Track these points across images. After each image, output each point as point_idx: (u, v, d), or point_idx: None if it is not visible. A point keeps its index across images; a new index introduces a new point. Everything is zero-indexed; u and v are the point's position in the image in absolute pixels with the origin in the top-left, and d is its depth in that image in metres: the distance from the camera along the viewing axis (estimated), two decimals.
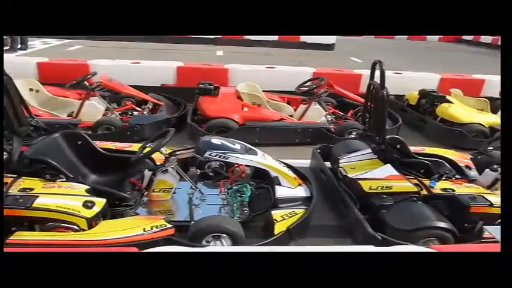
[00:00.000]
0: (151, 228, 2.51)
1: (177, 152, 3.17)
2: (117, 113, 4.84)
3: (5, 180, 2.64)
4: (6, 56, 6.36)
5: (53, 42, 12.84)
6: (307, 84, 5.39)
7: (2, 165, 2.62)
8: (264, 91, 5.35)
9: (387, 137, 3.42)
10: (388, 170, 3.21)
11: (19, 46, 9.91)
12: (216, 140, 3.18)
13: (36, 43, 11.34)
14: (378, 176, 3.17)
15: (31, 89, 4.73)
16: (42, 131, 3.20)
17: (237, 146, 3.17)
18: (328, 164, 3.81)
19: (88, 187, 2.67)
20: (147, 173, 3.03)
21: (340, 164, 3.56)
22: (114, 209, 2.76)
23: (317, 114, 5.15)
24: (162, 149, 2.95)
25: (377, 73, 3.32)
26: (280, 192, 3.06)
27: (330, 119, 5.20)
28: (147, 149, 2.97)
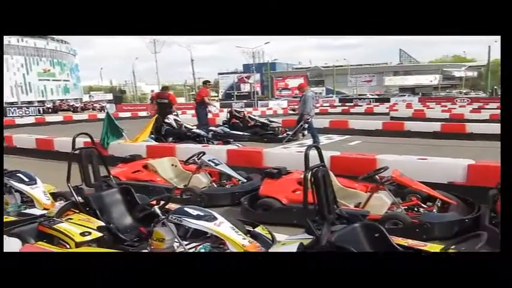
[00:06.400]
0: None
1: None
2: (402, 208, 4.78)
3: None
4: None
5: (335, 137, 14.32)
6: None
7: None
8: None
9: None
10: None
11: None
12: None
13: (322, 139, 12.81)
14: None
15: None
16: (343, 220, 3.43)
17: None
18: None
19: None
20: None
21: None
22: None
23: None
24: None
25: None
26: None
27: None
28: None
